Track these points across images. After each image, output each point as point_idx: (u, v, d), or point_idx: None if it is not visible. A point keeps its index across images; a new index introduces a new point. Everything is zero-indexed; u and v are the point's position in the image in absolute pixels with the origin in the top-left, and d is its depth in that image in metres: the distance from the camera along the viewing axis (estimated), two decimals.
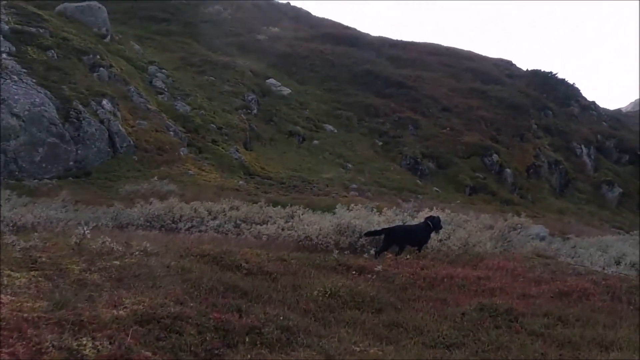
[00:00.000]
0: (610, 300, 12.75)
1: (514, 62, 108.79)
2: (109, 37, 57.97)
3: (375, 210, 27.24)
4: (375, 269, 13.80)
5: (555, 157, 76.00)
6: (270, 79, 66.80)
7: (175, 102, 53.30)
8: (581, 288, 13.07)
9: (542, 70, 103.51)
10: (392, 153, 61.79)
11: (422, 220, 19.04)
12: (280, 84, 66.64)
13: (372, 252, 17.18)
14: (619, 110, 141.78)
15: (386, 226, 19.03)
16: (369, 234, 18.12)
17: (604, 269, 20.74)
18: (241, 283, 11.09)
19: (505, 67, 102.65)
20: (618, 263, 23.15)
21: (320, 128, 61.22)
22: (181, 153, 45.20)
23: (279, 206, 28.60)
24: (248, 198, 35.34)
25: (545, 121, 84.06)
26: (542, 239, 36.97)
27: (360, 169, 55.06)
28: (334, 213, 23.47)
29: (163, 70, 58.37)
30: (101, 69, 49.21)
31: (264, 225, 22.19)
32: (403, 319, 10.47)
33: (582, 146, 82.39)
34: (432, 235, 18.55)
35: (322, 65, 78.12)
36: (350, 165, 55.24)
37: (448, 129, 69.90)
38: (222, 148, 48.43)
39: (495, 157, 67.01)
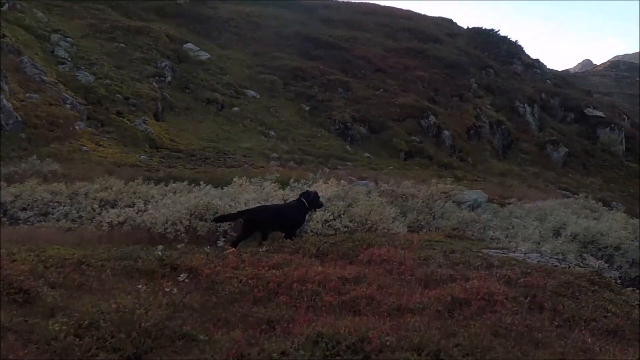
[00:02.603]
0: (527, 310, 8.53)
1: (454, 20, 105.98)
2: (6, 5, 52.59)
3: (267, 183, 23.09)
4: (179, 277, 9.25)
5: (497, 117, 72.81)
6: (188, 44, 61.81)
7: (77, 72, 48.25)
8: (486, 292, 8.80)
9: (484, 28, 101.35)
10: (320, 118, 57.50)
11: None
12: (198, 48, 61.71)
13: (221, 243, 12.84)
14: (567, 71, 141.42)
15: (254, 206, 14.63)
16: (220, 219, 13.91)
17: (539, 243, 16.85)
18: None
19: (445, 26, 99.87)
20: (557, 235, 19.34)
21: (242, 94, 56.57)
22: (77, 127, 40.38)
23: (164, 183, 24.33)
24: (145, 174, 31.28)
25: (487, 80, 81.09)
26: (477, 206, 33.51)
27: (283, 136, 50.79)
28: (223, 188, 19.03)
29: (68, 39, 53.16)
30: None
31: (120, 210, 17.64)
32: None
33: (526, 105, 79.48)
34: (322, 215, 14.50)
35: (248, 28, 73.69)
36: (272, 133, 50.85)
37: (381, 90, 65.90)
38: (128, 120, 43.72)
39: (432, 118, 63.09)
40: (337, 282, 9.58)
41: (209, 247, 12.57)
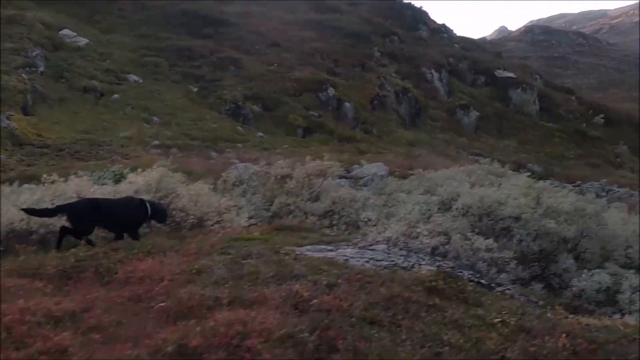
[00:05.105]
0: (307, 353, 5.26)
1: None
2: None
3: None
4: None
5: (403, 85, 70.00)
6: (65, 30, 57.30)
7: None
8: (240, 331, 5.52)
9: None
10: (210, 99, 53.64)
11: None
12: (76, 34, 57.24)
13: None
14: (484, 39, 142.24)
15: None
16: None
17: (419, 222, 13.81)
18: None
19: None
20: (447, 208, 16.39)
21: (123, 80, 52.43)
22: None
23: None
24: None
25: (391, 47, 78.62)
26: (371, 181, 31.31)
27: (168, 121, 46.95)
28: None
29: None
30: None
31: None
32: None
33: (433, 71, 77.11)
34: None
35: (132, 10, 69.59)
36: (156, 119, 46.96)
37: (276, 65, 62.49)
38: None
39: (331, 91, 59.94)
40: (35, 323, 6.19)
41: None
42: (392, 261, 8.73)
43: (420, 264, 8.82)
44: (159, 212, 11.64)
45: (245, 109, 53.29)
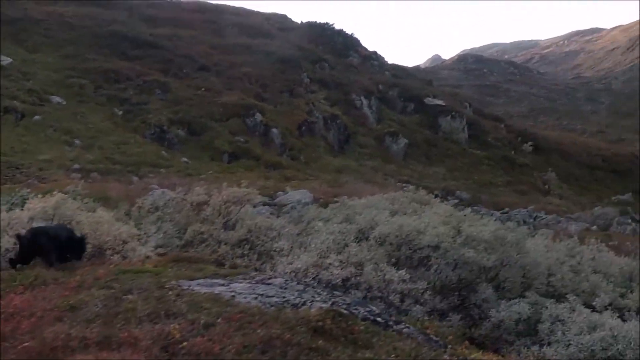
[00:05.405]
0: None
1: (288, 16, 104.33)
2: None
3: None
4: None
5: (332, 111, 70.08)
6: None
7: None
8: None
9: (318, 22, 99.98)
10: (135, 123, 52.83)
11: None
12: None
13: None
14: (417, 67, 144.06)
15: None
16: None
17: (332, 253, 13.56)
18: None
19: (277, 21, 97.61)
20: (365, 237, 16.16)
21: (46, 101, 51.28)
22: None
23: None
24: None
25: (321, 74, 78.82)
26: (293, 209, 31.05)
27: (90, 144, 45.94)
28: None
29: None
30: None
31: None
32: None
33: (362, 98, 77.19)
34: None
35: (60, 29, 68.13)
36: (78, 142, 45.94)
37: (203, 89, 62.14)
38: None
39: (258, 116, 59.60)
40: None
41: None
42: (284, 297, 8.40)
43: (314, 301, 8.48)
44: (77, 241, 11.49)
45: (170, 134, 52.61)
